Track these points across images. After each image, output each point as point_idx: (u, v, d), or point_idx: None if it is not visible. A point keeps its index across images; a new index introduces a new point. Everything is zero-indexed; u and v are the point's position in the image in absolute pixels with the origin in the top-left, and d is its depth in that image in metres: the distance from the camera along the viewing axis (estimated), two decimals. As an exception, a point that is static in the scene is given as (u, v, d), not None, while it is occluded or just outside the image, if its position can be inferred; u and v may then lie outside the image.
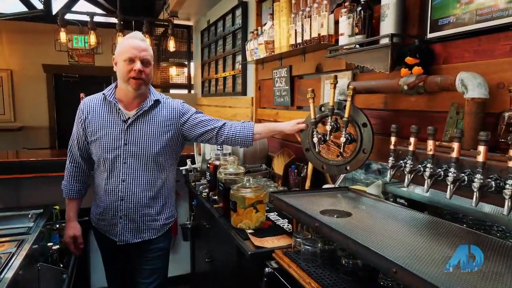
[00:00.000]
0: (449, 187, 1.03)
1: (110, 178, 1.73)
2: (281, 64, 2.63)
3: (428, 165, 1.10)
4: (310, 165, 2.21)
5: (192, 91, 5.83)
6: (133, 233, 1.77)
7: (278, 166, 2.46)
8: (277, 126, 1.92)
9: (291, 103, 2.55)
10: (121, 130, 1.71)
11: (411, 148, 1.16)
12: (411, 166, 1.17)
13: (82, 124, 1.75)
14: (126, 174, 1.72)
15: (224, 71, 4.00)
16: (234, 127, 1.86)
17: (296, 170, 2.26)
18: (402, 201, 1.66)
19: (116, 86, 1.78)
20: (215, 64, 4.32)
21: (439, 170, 1.10)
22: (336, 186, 1.90)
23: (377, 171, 1.85)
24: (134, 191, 1.73)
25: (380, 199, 1.61)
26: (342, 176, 1.92)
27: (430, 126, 1.09)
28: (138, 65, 1.64)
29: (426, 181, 1.10)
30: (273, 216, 1.93)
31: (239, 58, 3.55)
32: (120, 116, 1.72)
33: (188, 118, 1.84)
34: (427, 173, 1.10)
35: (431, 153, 1.09)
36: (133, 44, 1.66)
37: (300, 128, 1.80)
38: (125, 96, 1.74)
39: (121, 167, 1.71)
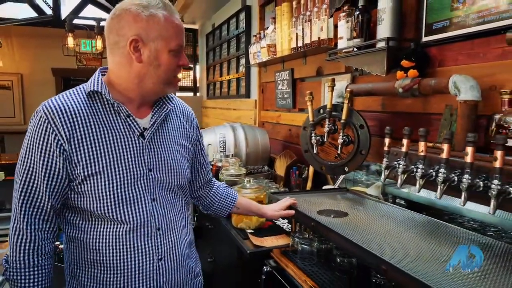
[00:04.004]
0: (439, 187, 1.06)
1: (137, 229, 1.07)
2: (283, 67, 2.67)
3: (420, 165, 1.12)
4: (311, 167, 2.25)
5: (198, 94, 5.90)
6: None
7: (280, 167, 2.49)
8: (261, 207, 1.50)
9: (293, 106, 2.59)
10: (139, 149, 1.08)
11: (404, 149, 1.19)
12: (404, 167, 1.19)
13: (61, 149, 1.00)
14: (161, 218, 1.11)
15: (228, 74, 4.06)
16: (218, 189, 1.45)
17: (297, 172, 2.30)
18: (402, 202, 1.69)
19: (101, 78, 1.09)
20: (220, 67, 4.38)
21: (431, 170, 1.12)
22: (336, 187, 1.92)
23: (376, 172, 1.88)
24: (173, 241, 1.14)
25: (378, 200, 1.63)
26: (341, 177, 1.95)
27: (421, 128, 1.12)
28: (185, 58, 1.11)
29: (417, 181, 1.13)
30: (273, 216, 1.97)
31: (243, 61, 3.60)
32: (132, 127, 1.08)
33: (199, 136, 1.32)
34: (418, 174, 1.12)
35: (422, 154, 1.12)
36: (181, 24, 1.08)
37: (284, 215, 1.46)
38: (143, 99, 1.11)
39: (151, 208, 1.09)
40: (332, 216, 1.38)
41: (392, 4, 1.48)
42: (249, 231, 1.72)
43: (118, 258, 1.06)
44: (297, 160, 2.39)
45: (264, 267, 1.47)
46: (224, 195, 1.43)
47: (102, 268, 1.06)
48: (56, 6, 5.05)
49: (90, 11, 6.21)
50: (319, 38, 2.01)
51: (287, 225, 1.82)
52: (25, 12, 5.52)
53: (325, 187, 1.98)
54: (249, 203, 1.51)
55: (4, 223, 2.02)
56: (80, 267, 1.08)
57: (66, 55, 4.32)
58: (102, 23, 4.28)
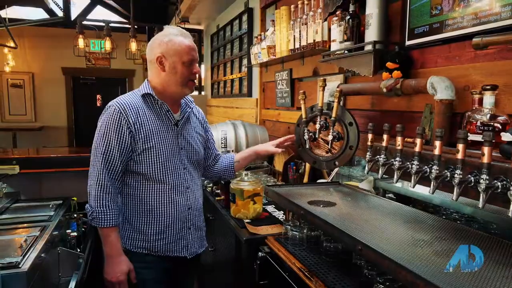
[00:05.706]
0: (412, 177, 1.17)
1: (174, 188, 1.58)
2: (283, 67, 2.79)
3: (398, 158, 1.24)
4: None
5: (203, 93, 6.04)
6: (199, 243, 1.71)
7: (279, 163, 2.62)
8: (255, 148, 1.97)
9: (291, 104, 2.71)
10: (175, 135, 1.60)
11: (384, 144, 1.30)
12: (385, 159, 1.31)
13: (129, 130, 1.48)
14: (189, 180, 1.63)
15: (231, 73, 4.19)
16: (219, 157, 1.90)
17: (294, 167, 2.42)
18: (391, 195, 1.79)
19: (150, 85, 1.58)
20: (224, 66, 4.51)
21: (408, 163, 1.24)
22: (329, 180, 2.04)
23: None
24: (197, 197, 1.68)
25: (368, 193, 1.74)
26: (335, 171, 2.06)
27: (398, 124, 1.23)
28: (198, 67, 1.60)
29: (395, 173, 1.25)
30: (270, 208, 2.09)
31: (245, 61, 3.73)
32: (169, 119, 1.59)
33: (207, 128, 1.85)
34: (396, 166, 1.24)
35: (399, 148, 1.23)
36: (191, 45, 1.56)
37: (271, 151, 1.92)
38: (172, 98, 1.60)
39: (183, 174, 1.61)
40: (321, 206, 1.50)
41: (379, 10, 1.59)
42: (246, 221, 1.85)
43: (162, 207, 1.56)
44: (294, 156, 2.51)
45: (259, 252, 1.59)
46: (223, 158, 1.90)
47: (150, 214, 1.56)
48: (67, 8, 5.22)
49: (100, 12, 6.39)
50: (314, 40, 2.13)
51: (282, 216, 1.94)
52: (36, 13, 5.71)
53: (319, 181, 2.10)
54: (245, 152, 1.95)
55: (20, 212, 2.17)
56: (133, 214, 1.57)
57: (77, 56, 4.51)
58: (111, 25, 4.44)
